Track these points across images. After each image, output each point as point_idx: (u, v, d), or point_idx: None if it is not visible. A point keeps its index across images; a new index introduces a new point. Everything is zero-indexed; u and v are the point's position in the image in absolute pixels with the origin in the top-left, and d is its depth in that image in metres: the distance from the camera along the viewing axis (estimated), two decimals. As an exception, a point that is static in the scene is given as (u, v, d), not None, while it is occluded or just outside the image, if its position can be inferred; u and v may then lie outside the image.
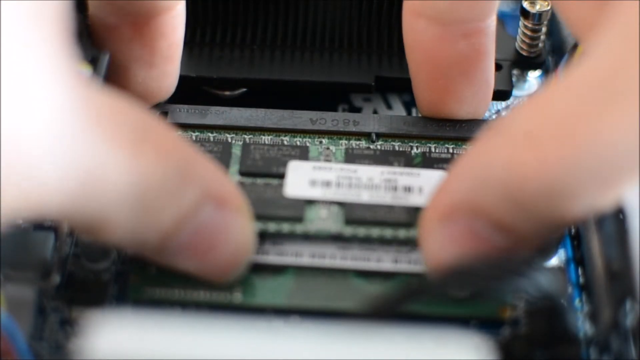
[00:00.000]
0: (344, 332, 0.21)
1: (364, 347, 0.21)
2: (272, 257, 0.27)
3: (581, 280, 0.28)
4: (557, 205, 0.22)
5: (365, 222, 0.28)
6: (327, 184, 0.28)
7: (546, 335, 0.25)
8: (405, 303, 0.25)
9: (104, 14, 0.29)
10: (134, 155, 0.22)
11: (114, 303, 0.27)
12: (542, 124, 0.22)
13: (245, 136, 0.30)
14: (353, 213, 0.28)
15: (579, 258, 0.28)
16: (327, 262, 0.27)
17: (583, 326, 0.26)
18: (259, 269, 0.27)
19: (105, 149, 0.22)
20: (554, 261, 0.28)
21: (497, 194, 0.23)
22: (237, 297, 0.27)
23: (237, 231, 0.25)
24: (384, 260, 0.27)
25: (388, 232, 0.27)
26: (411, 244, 0.27)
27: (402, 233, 0.27)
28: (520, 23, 0.34)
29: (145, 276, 0.27)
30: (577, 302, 0.27)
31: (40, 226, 0.27)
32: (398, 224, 0.27)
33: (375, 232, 0.27)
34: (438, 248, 0.24)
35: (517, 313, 0.26)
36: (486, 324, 0.26)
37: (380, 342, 0.21)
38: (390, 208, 0.28)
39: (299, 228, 0.28)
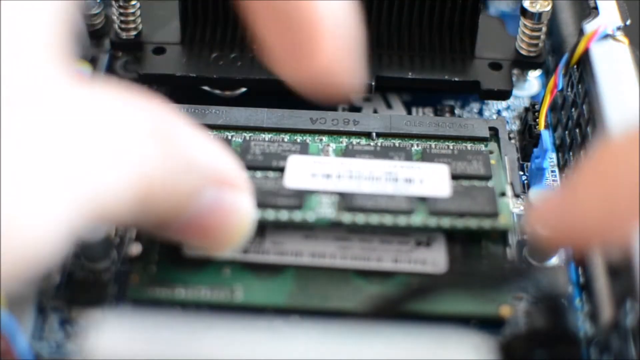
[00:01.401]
0: (344, 332, 0.21)
1: (364, 347, 0.21)
2: (272, 256, 0.27)
3: (581, 280, 0.28)
4: None
5: (366, 209, 0.27)
6: (328, 176, 0.28)
7: (546, 335, 0.25)
8: (406, 303, 0.25)
9: None
10: (137, 160, 0.22)
11: (114, 303, 0.27)
12: None
13: (245, 134, 0.30)
14: (353, 201, 0.28)
15: (579, 258, 0.28)
16: (327, 262, 0.27)
17: (583, 326, 0.26)
18: (259, 268, 0.27)
19: (108, 166, 0.21)
20: (554, 261, 0.28)
21: None
22: (238, 296, 0.27)
23: (236, 207, 0.25)
24: (384, 260, 0.27)
25: (388, 220, 0.27)
26: (411, 230, 0.27)
27: (402, 220, 0.27)
28: (521, 23, 0.34)
29: (145, 276, 0.27)
30: (577, 302, 0.27)
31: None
32: (398, 211, 0.27)
33: (374, 219, 0.27)
34: None
35: (517, 313, 0.26)
36: (486, 324, 0.26)
37: (380, 342, 0.21)
38: (391, 197, 0.28)
39: (298, 216, 0.27)
